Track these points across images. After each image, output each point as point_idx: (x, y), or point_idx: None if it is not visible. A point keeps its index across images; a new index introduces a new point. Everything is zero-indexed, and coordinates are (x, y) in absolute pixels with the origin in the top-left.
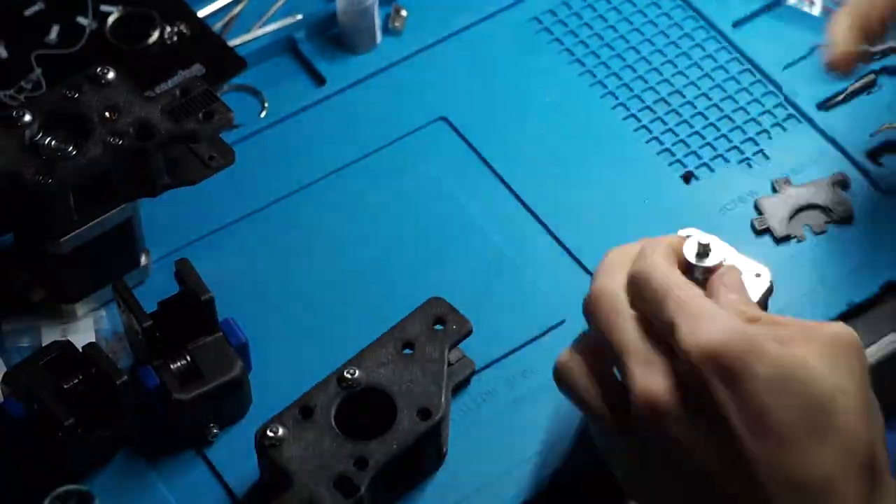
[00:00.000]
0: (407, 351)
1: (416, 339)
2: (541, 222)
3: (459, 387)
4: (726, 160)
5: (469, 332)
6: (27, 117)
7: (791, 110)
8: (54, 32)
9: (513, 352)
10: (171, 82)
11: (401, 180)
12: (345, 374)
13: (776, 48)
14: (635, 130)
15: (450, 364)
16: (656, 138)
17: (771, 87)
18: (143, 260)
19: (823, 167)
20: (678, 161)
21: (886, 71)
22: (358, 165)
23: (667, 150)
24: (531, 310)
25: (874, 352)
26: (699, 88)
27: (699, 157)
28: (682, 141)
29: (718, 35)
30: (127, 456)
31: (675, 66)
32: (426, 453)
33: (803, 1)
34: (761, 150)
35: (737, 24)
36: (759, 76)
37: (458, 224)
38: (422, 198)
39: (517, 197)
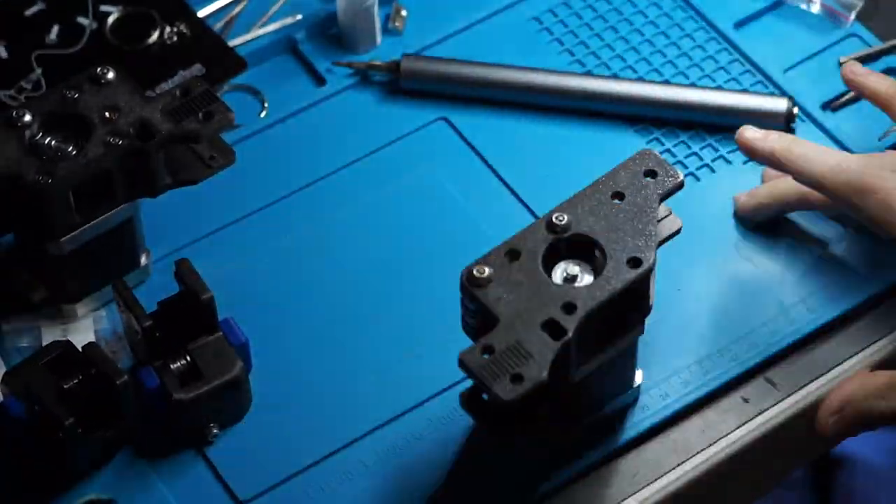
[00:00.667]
0: (616, 201)
1: (626, 190)
2: None
3: (662, 243)
4: (728, 161)
5: (680, 185)
6: (27, 117)
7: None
8: (54, 32)
9: None
10: (171, 82)
11: (401, 180)
12: (554, 219)
13: (778, 49)
14: (636, 131)
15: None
16: (657, 139)
17: (772, 89)
18: (143, 260)
19: None
20: (680, 162)
21: (892, 72)
22: (358, 165)
23: (668, 150)
24: None
25: (883, 345)
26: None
27: (700, 159)
28: (683, 142)
29: (719, 36)
30: (127, 456)
31: (676, 67)
32: (635, 305)
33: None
34: None
35: (738, 25)
36: (760, 77)
37: (458, 224)
38: (422, 198)
39: (517, 197)
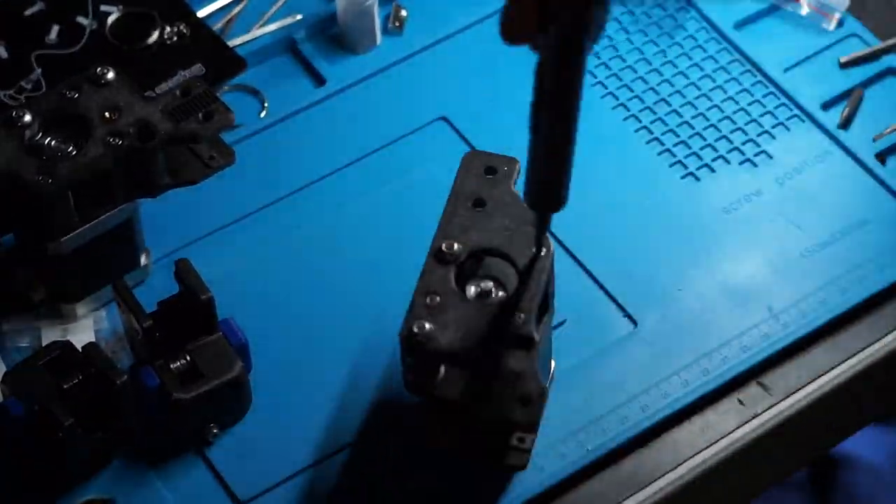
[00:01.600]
0: (478, 209)
1: (481, 194)
2: None
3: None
4: (727, 161)
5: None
6: (27, 117)
7: (794, 111)
8: (54, 32)
9: None
10: (171, 82)
11: (401, 180)
12: (443, 248)
13: (778, 49)
14: (636, 131)
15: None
16: (657, 139)
17: (772, 88)
18: (143, 260)
19: (829, 166)
20: (679, 162)
21: (891, 72)
22: (358, 165)
23: (668, 150)
24: None
25: (875, 351)
26: (700, 89)
27: (700, 159)
28: (683, 142)
29: (720, 36)
30: (127, 456)
31: (676, 67)
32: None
33: (789, 1)
34: (764, 151)
35: (739, 26)
36: (760, 77)
37: None
38: (422, 198)
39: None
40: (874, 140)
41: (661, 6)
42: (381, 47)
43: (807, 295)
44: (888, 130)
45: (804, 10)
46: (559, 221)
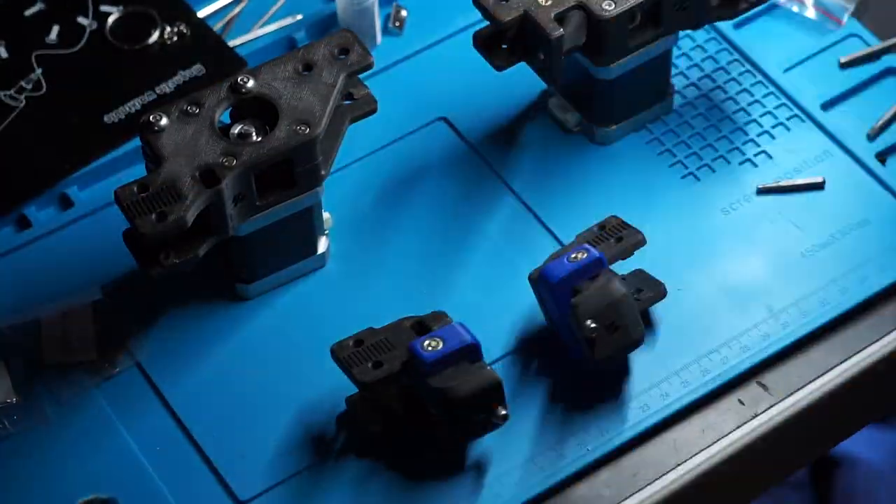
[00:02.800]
0: (305, 72)
1: (316, 63)
2: (541, 222)
3: (354, 120)
4: (727, 161)
5: (369, 66)
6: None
7: (794, 111)
8: (54, 32)
9: (512, 351)
10: (171, 82)
11: (401, 180)
12: (239, 80)
13: (778, 49)
14: (635, 131)
15: (352, 98)
16: (657, 139)
17: (772, 88)
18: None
19: (828, 167)
20: (679, 162)
21: (891, 72)
22: (358, 165)
23: (668, 150)
24: (530, 309)
25: (875, 351)
26: (700, 89)
27: (700, 159)
28: (683, 142)
29: (719, 36)
30: (127, 455)
31: (676, 67)
32: (299, 166)
33: (793, 1)
34: (764, 151)
35: (738, 25)
36: (760, 77)
37: (457, 223)
38: (422, 197)
39: (517, 197)
40: (869, 137)
41: None
42: (381, 47)
43: (807, 295)
44: (880, 123)
45: (810, 13)
46: (560, 221)
